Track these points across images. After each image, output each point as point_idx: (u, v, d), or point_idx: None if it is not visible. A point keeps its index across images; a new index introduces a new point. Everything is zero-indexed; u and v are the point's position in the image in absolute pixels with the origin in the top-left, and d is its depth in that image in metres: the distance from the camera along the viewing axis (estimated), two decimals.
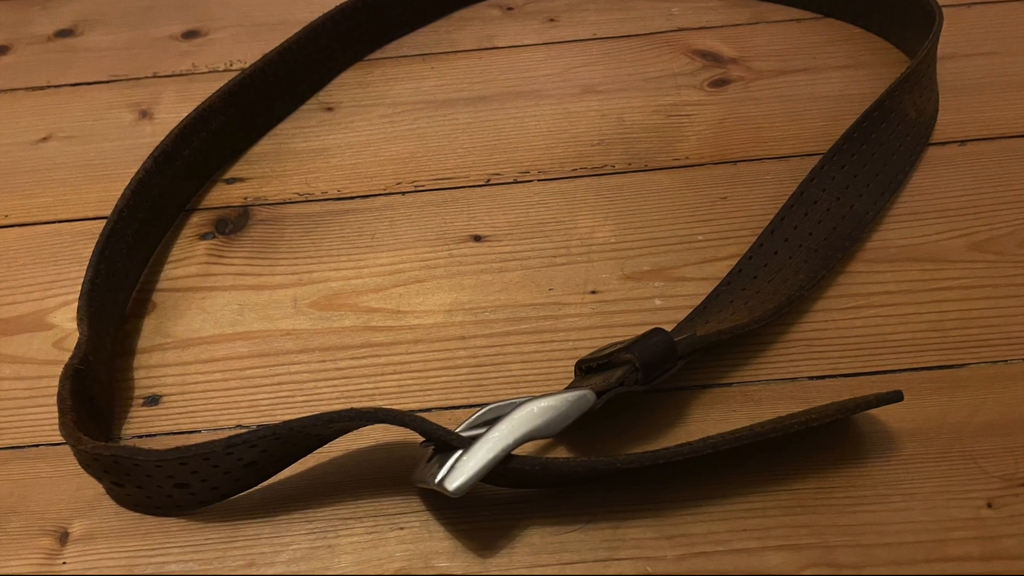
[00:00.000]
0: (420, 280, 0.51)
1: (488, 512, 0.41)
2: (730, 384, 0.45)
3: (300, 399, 0.46)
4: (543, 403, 0.40)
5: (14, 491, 0.44)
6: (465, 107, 0.61)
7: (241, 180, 0.58)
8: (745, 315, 0.46)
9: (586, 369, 0.44)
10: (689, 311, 0.48)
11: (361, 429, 0.44)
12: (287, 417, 0.42)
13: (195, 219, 0.56)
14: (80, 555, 0.41)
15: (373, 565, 0.40)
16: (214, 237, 0.55)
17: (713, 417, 0.44)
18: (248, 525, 0.42)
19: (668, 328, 0.45)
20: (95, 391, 0.45)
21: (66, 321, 0.51)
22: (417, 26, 0.68)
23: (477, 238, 0.53)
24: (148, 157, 0.54)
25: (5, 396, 0.48)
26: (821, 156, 0.51)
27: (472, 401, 0.46)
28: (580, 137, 0.58)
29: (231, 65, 0.66)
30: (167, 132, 0.56)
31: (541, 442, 0.43)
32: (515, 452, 0.39)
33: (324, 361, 0.48)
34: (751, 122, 0.58)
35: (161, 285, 0.52)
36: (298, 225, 0.55)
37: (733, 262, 0.49)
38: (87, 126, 0.62)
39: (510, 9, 0.69)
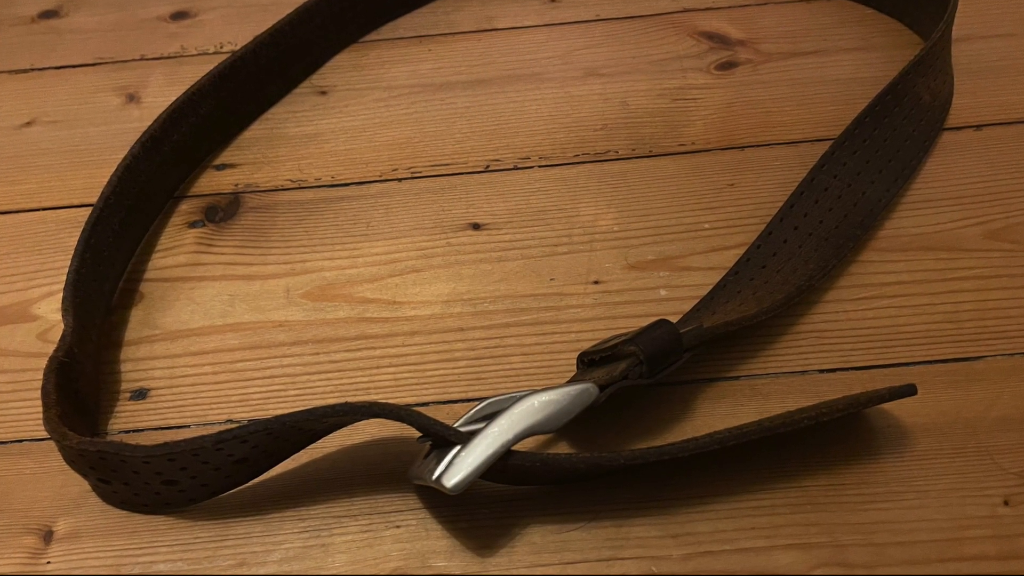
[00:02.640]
0: (417, 270, 0.51)
1: (487, 510, 0.41)
2: (737, 377, 0.45)
3: (293, 393, 0.46)
4: (544, 397, 0.40)
5: None
6: (463, 91, 0.61)
7: (232, 166, 0.58)
8: (753, 306, 0.46)
9: (588, 362, 0.44)
10: (695, 302, 0.47)
11: (356, 424, 0.44)
12: (279, 411, 0.42)
13: (184, 207, 0.56)
14: (65, 554, 0.41)
15: (368, 564, 0.40)
16: (204, 225, 0.55)
17: (720, 412, 0.44)
18: (239, 523, 0.42)
19: (673, 319, 0.44)
20: (80, 385, 0.45)
21: (50, 312, 0.50)
22: (414, 7, 0.67)
23: (476, 226, 0.53)
24: (135, 142, 0.54)
25: None
26: (832, 141, 0.51)
27: (470, 395, 0.46)
28: (582, 122, 0.58)
29: (221, 47, 0.66)
30: (155, 117, 0.56)
31: (542, 438, 0.43)
32: (515, 448, 0.39)
33: (317, 354, 0.48)
34: (759, 106, 0.58)
35: (149, 275, 0.52)
36: (291, 213, 0.54)
37: (741, 251, 0.49)
38: (72, 110, 0.62)
39: None
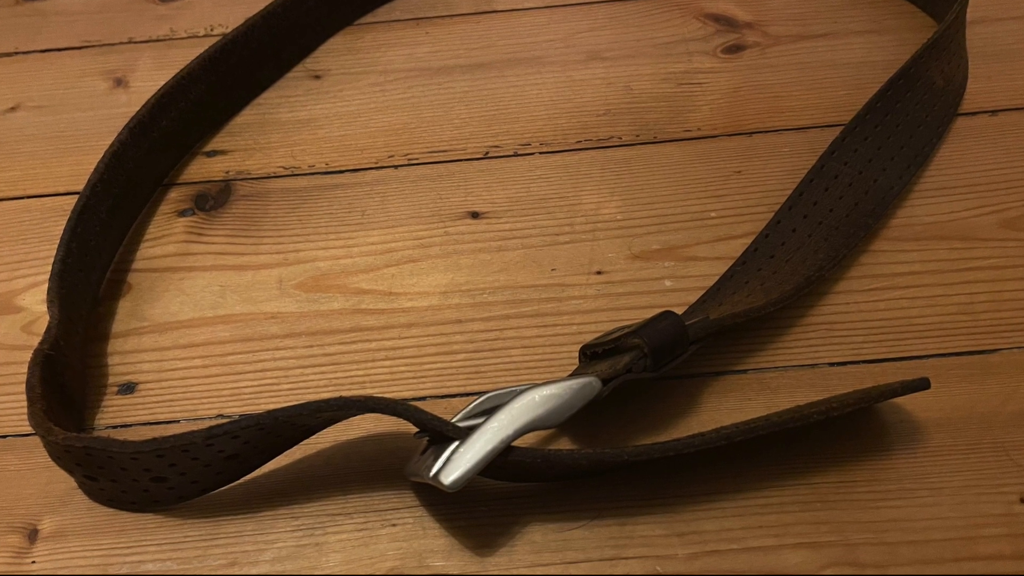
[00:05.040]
0: (414, 260, 0.51)
1: (486, 508, 0.41)
2: (745, 371, 0.45)
3: (285, 387, 0.46)
4: (545, 391, 0.40)
5: None
6: (462, 75, 0.61)
7: (222, 153, 0.58)
8: (761, 297, 0.45)
9: (591, 355, 0.44)
10: (701, 293, 0.47)
11: (351, 419, 0.43)
12: (272, 406, 0.41)
13: (173, 194, 0.56)
14: (50, 553, 0.41)
15: (364, 564, 0.40)
16: (194, 214, 0.54)
17: (727, 406, 0.44)
18: (230, 521, 0.42)
19: (679, 311, 0.44)
20: (66, 378, 0.45)
21: (35, 304, 0.50)
22: None
23: (475, 215, 0.53)
24: (123, 128, 0.54)
25: None
26: (842, 127, 0.51)
27: (469, 389, 0.45)
28: (585, 107, 0.58)
29: (212, 30, 0.66)
30: (143, 101, 0.55)
31: (543, 433, 0.43)
32: (515, 443, 0.39)
33: (311, 346, 0.48)
34: (768, 91, 0.58)
35: (137, 265, 0.52)
36: (283, 201, 0.54)
37: (748, 240, 0.49)
38: (58, 95, 0.62)
39: None
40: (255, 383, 0.46)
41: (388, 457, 0.43)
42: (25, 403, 0.42)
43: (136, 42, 0.65)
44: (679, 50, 0.61)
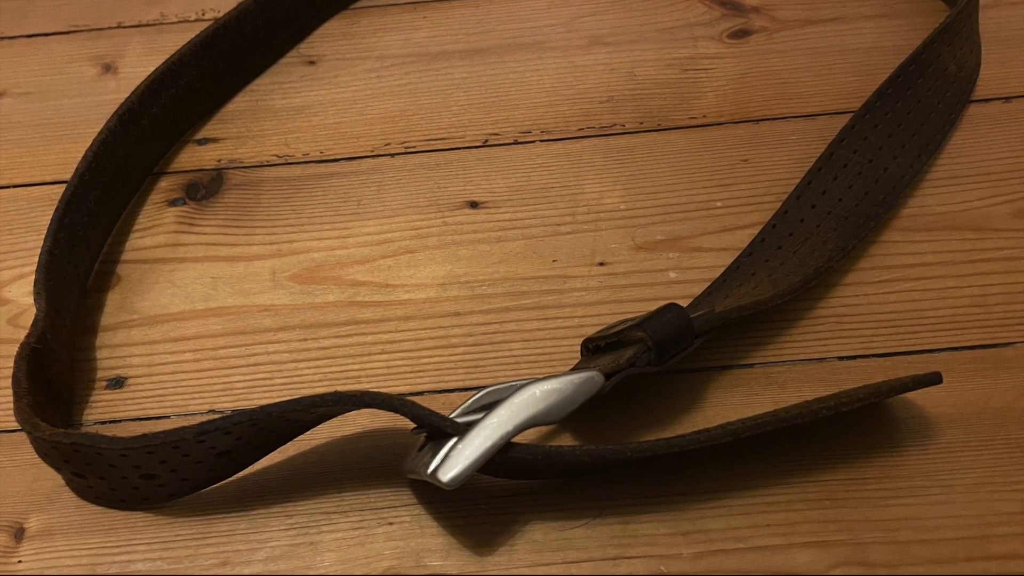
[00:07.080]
0: (411, 251, 0.51)
1: (486, 506, 0.41)
2: (752, 365, 0.45)
3: (279, 381, 0.46)
4: (546, 386, 0.40)
5: None
6: (460, 60, 0.60)
7: (214, 141, 0.58)
8: (768, 289, 0.45)
9: (593, 348, 0.44)
10: (707, 285, 0.47)
11: (346, 414, 0.43)
12: (265, 401, 0.41)
13: (164, 183, 0.56)
14: (37, 552, 0.41)
15: (360, 564, 0.40)
16: (184, 203, 0.54)
17: (733, 401, 0.44)
18: (222, 520, 0.42)
19: (683, 303, 0.44)
20: (54, 372, 0.45)
21: (22, 296, 0.50)
22: None
23: (473, 204, 0.52)
24: (112, 116, 0.54)
25: None
26: (852, 114, 0.51)
27: (468, 384, 0.45)
28: (587, 93, 0.58)
29: (203, 14, 0.65)
30: (133, 88, 0.55)
31: (544, 429, 0.43)
32: (515, 440, 0.39)
33: (305, 340, 0.47)
34: (775, 77, 0.58)
35: (126, 256, 0.52)
36: (277, 190, 0.54)
37: (755, 231, 0.49)
38: (45, 81, 0.62)
39: None
40: (248, 377, 0.46)
41: (384, 454, 0.43)
42: (11, 398, 0.42)
43: (125, 27, 0.65)
44: (684, 35, 0.61)
